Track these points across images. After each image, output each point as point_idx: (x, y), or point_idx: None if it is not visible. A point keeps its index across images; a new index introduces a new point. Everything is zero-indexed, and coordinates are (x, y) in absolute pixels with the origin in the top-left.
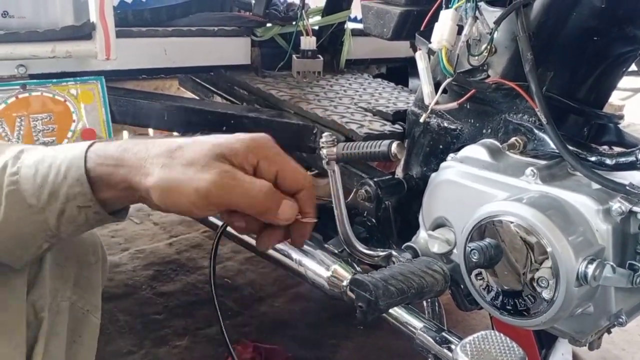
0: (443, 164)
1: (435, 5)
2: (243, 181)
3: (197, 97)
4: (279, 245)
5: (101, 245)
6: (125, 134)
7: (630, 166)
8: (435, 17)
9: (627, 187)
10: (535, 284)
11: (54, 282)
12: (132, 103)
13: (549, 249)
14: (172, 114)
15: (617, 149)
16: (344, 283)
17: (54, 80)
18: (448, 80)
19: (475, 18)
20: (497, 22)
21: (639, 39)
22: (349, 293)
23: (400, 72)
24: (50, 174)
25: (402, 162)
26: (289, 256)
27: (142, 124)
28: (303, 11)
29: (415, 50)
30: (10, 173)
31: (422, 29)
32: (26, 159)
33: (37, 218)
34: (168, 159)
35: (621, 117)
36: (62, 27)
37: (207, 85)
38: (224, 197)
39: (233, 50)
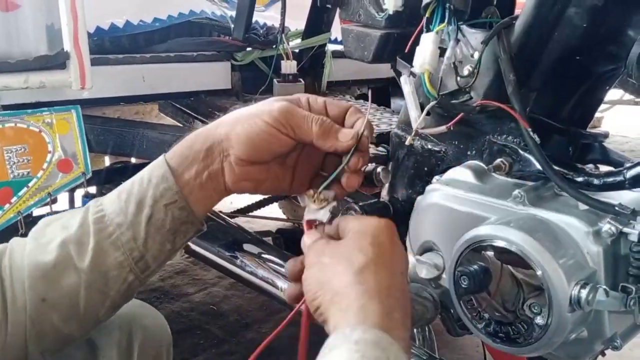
0: (429, 187)
1: (418, 29)
2: (302, 111)
3: (178, 123)
4: (264, 273)
5: (171, 345)
6: (106, 159)
7: (619, 186)
8: (417, 40)
9: (617, 208)
10: (527, 310)
11: None
12: (110, 132)
13: (539, 273)
14: (151, 143)
15: (603, 168)
16: None
17: (29, 110)
18: (432, 103)
19: (457, 40)
20: (485, 43)
21: (620, 57)
22: None
23: (382, 92)
24: (134, 187)
25: (387, 185)
26: (273, 284)
27: (120, 152)
28: (283, 35)
29: (396, 72)
30: (94, 205)
31: (405, 51)
32: (106, 195)
33: (126, 236)
34: (240, 110)
35: (606, 135)
36: (35, 57)
37: (188, 111)
38: (291, 119)
39: (213, 75)
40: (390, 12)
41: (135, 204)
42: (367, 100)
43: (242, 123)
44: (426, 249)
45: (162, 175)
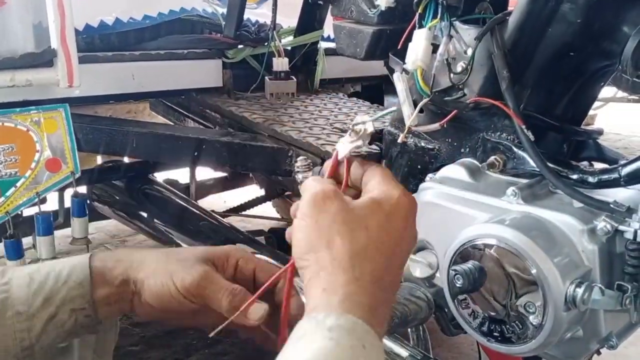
0: (422, 185)
1: (410, 25)
2: (219, 282)
3: (169, 122)
4: None
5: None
6: (99, 158)
7: (614, 183)
8: (410, 37)
9: (612, 205)
10: (522, 309)
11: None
12: (99, 130)
13: (534, 272)
14: (141, 141)
15: (597, 165)
16: None
17: (17, 109)
18: (425, 100)
19: (450, 37)
20: (478, 39)
21: (615, 53)
22: None
23: (375, 90)
24: (48, 280)
25: None
26: None
27: (110, 151)
28: (274, 32)
29: (389, 69)
30: (1, 283)
31: (398, 48)
32: (16, 271)
33: (20, 326)
34: (164, 256)
35: (600, 133)
36: (21, 55)
37: (179, 109)
38: (203, 291)
39: (204, 73)
40: (383, 9)
41: (42, 299)
42: (360, 99)
43: (155, 278)
44: (420, 247)
45: (80, 283)
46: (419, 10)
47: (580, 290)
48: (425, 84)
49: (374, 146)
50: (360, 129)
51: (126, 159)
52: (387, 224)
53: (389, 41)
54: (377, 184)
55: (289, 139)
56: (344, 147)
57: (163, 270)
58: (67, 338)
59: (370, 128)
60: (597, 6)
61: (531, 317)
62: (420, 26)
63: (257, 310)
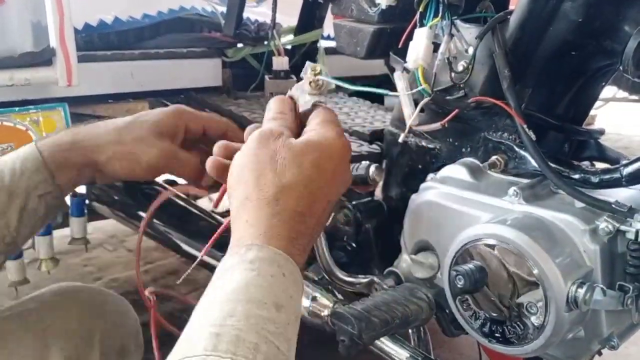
0: (423, 185)
1: (411, 24)
2: (180, 157)
3: None
4: None
5: (140, 333)
6: None
7: (615, 183)
8: (411, 35)
9: (613, 205)
10: (523, 310)
11: None
12: None
13: (535, 272)
14: None
15: (599, 165)
16: (325, 313)
17: (15, 108)
18: (426, 99)
19: (452, 35)
20: (479, 38)
21: (616, 52)
22: (331, 324)
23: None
24: (4, 177)
25: (381, 183)
26: None
27: None
28: (274, 31)
29: (390, 68)
30: None
31: (399, 47)
32: None
33: None
34: (117, 135)
35: (602, 132)
36: (20, 54)
37: None
38: (167, 167)
39: (203, 72)
40: (383, 7)
41: (6, 194)
42: (360, 98)
43: (118, 161)
44: (421, 247)
45: (36, 169)
46: (420, 9)
47: (582, 291)
48: (427, 82)
49: (374, 146)
50: (322, 82)
51: None
52: (319, 164)
53: (389, 40)
54: (316, 125)
55: None
56: (304, 98)
57: (123, 152)
58: (44, 222)
59: (332, 85)
60: (598, 4)
61: (532, 318)
62: (422, 25)
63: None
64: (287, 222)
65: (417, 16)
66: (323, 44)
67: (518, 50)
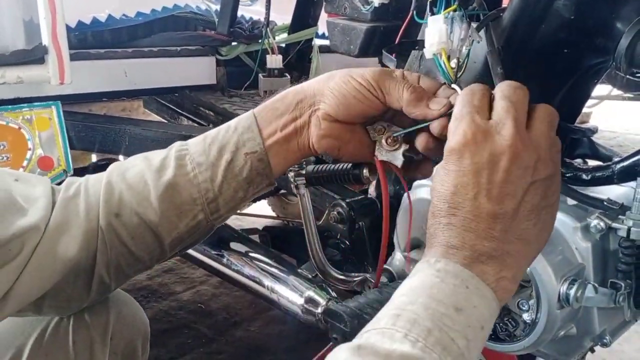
0: (416, 183)
1: (407, 20)
2: (395, 77)
3: (163, 119)
4: (250, 272)
5: (148, 335)
6: (93, 157)
7: (607, 180)
8: (406, 33)
9: (605, 203)
10: (515, 307)
11: None
12: (92, 129)
13: (527, 270)
14: (133, 140)
15: (591, 162)
16: (319, 310)
17: (8, 107)
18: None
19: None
20: (478, 29)
21: (609, 50)
22: (324, 321)
23: None
24: (219, 133)
25: (374, 182)
26: (260, 283)
27: (102, 150)
28: (268, 29)
29: (383, 66)
30: (180, 145)
31: (396, 42)
32: (193, 139)
33: (204, 176)
34: (328, 76)
35: (594, 130)
36: (12, 51)
37: (173, 107)
38: (383, 84)
39: (197, 70)
40: (376, 5)
41: (217, 148)
42: None
43: (335, 80)
44: (414, 245)
45: (248, 126)
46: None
47: (574, 288)
48: (451, 68)
49: None
50: (397, 137)
51: (121, 157)
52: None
53: (382, 38)
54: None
55: None
56: (389, 156)
57: (340, 74)
58: (246, 189)
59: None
60: (590, 2)
61: (524, 315)
62: (432, 13)
63: (440, 100)
64: (495, 250)
65: (427, 8)
66: (317, 42)
67: (510, 47)
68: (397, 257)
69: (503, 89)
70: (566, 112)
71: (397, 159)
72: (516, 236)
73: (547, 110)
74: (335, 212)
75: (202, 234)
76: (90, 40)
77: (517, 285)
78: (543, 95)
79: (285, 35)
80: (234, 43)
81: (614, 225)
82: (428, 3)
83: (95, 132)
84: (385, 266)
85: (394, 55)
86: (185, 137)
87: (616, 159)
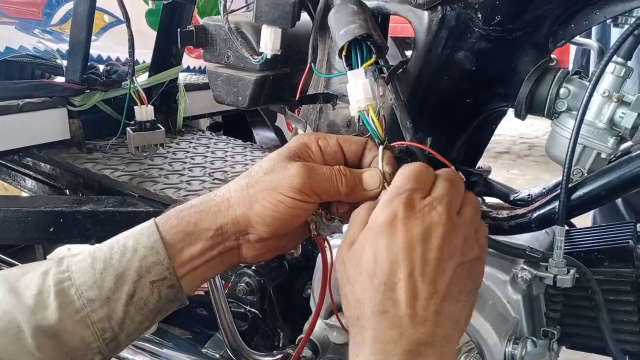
0: (333, 242)
1: (306, 72)
2: (323, 170)
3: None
4: None
5: None
6: None
7: (526, 228)
8: (306, 85)
9: (527, 252)
10: None
11: None
12: None
13: (474, 339)
14: None
15: (505, 212)
16: None
17: None
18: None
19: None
20: (387, 83)
21: (509, 97)
22: None
23: (237, 120)
24: (113, 256)
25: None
26: None
27: None
28: (134, 77)
29: (266, 114)
30: (58, 272)
31: (297, 98)
32: (75, 257)
33: (99, 315)
34: (248, 180)
35: (488, 171)
36: None
37: (15, 168)
38: (315, 186)
39: (46, 126)
40: (269, 57)
41: (113, 277)
42: (231, 137)
43: (260, 202)
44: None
45: (151, 246)
46: (344, 53)
47: (518, 348)
48: (381, 126)
49: None
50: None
51: None
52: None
53: (272, 87)
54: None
55: (167, 200)
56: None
57: (262, 193)
58: (153, 319)
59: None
60: (490, 54)
61: None
62: (351, 68)
63: (373, 177)
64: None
65: (309, 65)
66: (183, 79)
67: (416, 99)
68: (319, 323)
69: (449, 174)
70: (469, 156)
71: (338, 227)
72: (448, 318)
73: (474, 197)
74: (244, 284)
75: None
76: None
77: None
78: (448, 144)
79: (146, 76)
80: (88, 91)
81: (539, 274)
82: (343, 57)
83: None
84: (303, 336)
85: (297, 112)
86: (46, 214)
87: (531, 207)
